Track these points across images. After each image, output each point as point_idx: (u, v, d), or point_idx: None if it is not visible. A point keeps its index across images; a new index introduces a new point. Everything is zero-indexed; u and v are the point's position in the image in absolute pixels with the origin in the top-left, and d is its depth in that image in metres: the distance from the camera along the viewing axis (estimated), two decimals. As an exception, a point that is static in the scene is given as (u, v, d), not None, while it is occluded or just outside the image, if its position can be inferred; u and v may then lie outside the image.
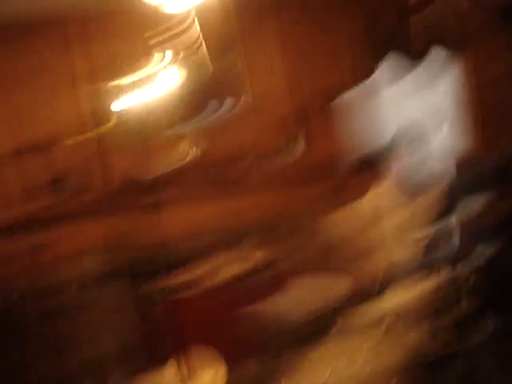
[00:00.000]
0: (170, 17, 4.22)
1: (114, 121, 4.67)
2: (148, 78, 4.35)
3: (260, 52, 4.96)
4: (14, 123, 4.63)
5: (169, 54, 4.37)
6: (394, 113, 5.19)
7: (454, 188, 3.80)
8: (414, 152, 3.65)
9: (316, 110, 5.00)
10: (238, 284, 3.28)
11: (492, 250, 3.50)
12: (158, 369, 3.30)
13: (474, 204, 3.56)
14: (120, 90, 4.67)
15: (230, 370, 3.29)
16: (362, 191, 4.12)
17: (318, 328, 3.09)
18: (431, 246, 2.75)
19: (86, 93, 4.71)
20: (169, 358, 2.55)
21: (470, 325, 2.87)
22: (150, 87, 4.39)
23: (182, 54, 4.31)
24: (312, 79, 4.97)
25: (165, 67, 4.29)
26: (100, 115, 4.70)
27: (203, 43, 3.91)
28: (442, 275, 2.82)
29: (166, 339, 2.51)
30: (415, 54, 5.16)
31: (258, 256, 3.07)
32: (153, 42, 4.57)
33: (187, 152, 4.69)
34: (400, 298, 2.98)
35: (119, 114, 4.69)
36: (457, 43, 5.23)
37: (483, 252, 3.56)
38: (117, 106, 4.69)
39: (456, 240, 2.81)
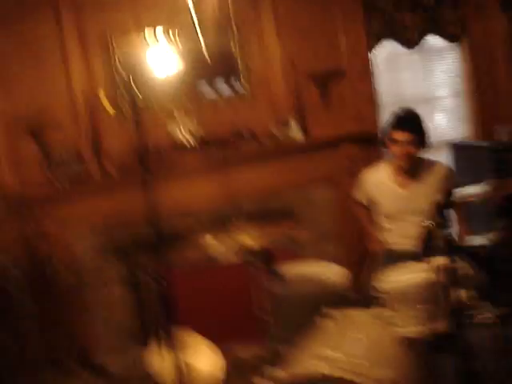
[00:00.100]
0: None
1: (105, 97, 4.60)
2: (140, 55, 4.26)
3: (255, 35, 4.90)
4: (4, 99, 4.55)
5: (160, 30, 4.31)
6: (389, 94, 5.21)
7: (450, 175, 3.77)
8: (411, 132, 3.61)
9: (311, 93, 4.94)
10: (231, 264, 3.24)
11: (488, 239, 3.48)
12: (150, 347, 3.25)
13: (470, 192, 3.51)
14: (112, 66, 4.65)
15: (223, 352, 3.24)
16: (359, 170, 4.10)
17: (313, 311, 3.05)
18: (430, 231, 2.69)
19: (76, 68, 4.63)
20: (162, 337, 2.49)
21: (465, 312, 2.84)
22: (143, 64, 4.34)
23: (174, 32, 4.25)
24: (307, 62, 4.91)
25: (156, 42, 4.21)
26: (91, 91, 4.63)
27: (197, 23, 3.82)
28: (440, 262, 2.77)
29: (160, 318, 2.44)
30: (412, 40, 5.14)
31: (250, 236, 2.99)
32: (145, 17, 4.55)
33: (180, 131, 4.62)
34: (398, 280, 2.95)
35: (111, 90, 4.64)
36: (454, 30, 5.21)
37: (480, 240, 3.55)
38: (109, 82, 4.63)
39: (452, 228, 2.77)
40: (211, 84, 4.86)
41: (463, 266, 2.98)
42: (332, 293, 3.28)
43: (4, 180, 4.56)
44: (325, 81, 4.94)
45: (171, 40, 4.28)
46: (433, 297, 2.85)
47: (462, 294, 2.81)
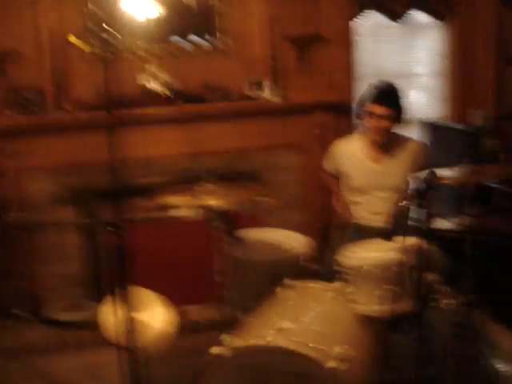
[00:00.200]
0: None
1: (74, 39, 4.41)
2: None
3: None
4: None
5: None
6: (368, 66, 5.11)
7: (424, 152, 3.71)
8: (388, 107, 3.53)
9: (288, 56, 4.81)
10: (192, 222, 3.16)
11: (457, 224, 3.45)
12: (103, 301, 3.16)
13: (444, 174, 3.45)
14: (84, 6, 4.43)
15: (178, 312, 3.14)
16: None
17: (273, 280, 2.98)
18: (402, 210, 2.62)
19: (45, 5, 4.40)
20: (113, 290, 2.37)
21: (430, 295, 2.80)
22: (118, 6, 4.17)
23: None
24: (287, 25, 4.77)
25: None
26: (60, 30, 4.41)
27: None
28: (409, 242, 2.70)
29: (115, 272, 2.32)
30: (396, 12, 5.03)
31: (214, 195, 2.89)
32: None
33: (151, 80, 4.47)
34: (364, 257, 2.87)
35: (80, 31, 4.42)
36: (440, 7, 5.13)
37: (448, 224, 3.51)
38: (81, 22, 4.41)
39: (424, 210, 2.69)
40: (187, 36, 4.69)
41: (430, 249, 2.92)
42: (294, 263, 3.22)
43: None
44: (303, 45, 4.82)
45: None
46: (399, 277, 2.78)
47: (429, 276, 2.77)
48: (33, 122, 4.38)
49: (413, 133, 4.86)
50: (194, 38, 4.70)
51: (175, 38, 4.67)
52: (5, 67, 4.36)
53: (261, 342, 2.43)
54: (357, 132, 4.03)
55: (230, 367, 2.42)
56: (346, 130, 4.63)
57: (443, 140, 4.79)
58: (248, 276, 3.18)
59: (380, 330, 2.82)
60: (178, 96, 4.52)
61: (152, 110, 4.48)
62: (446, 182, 2.94)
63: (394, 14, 5.03)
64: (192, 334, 3.93)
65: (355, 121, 4.57)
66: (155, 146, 4.56)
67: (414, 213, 2.62)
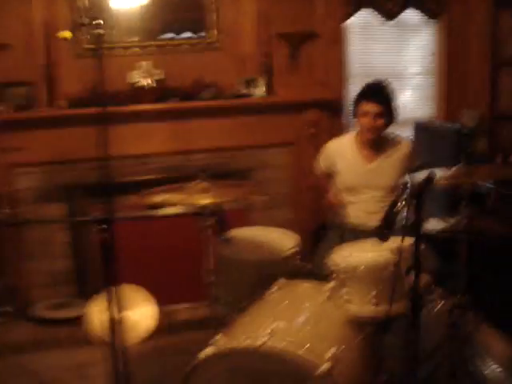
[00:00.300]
0: None
1: (67, 33, 4.38)
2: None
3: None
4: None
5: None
6: (360, 65, 5.10)
7: (414, 153, 3.70)
8: (380, 104, 3.52)
9: (280, 53, 4.78)
10: (180, 219, 3.12)
11: (448, 225, 3.44)
12: (88, 297, 3.14)
13: (430, 176, 3.43)
14: (76, 2, 4.38)
15: (168, 310, 3.12)
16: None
17: (262, 279, 2.96)
18: (395, 211, 2.59)
19: (36, 3, 4.36)
20: (100, 287, 2.35)
21: (421, 296, 2.78)
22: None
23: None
24: (280, 21, 4.74)
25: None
26: (51, 27, 4.34)
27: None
28: (401, 243, 2.68)
29: (101, 268, 2.29)
30: (392, 11, 5.02)
31: (203, 193, 2.87)
32: None
33: (141, 74, 4.45)
34: (356, 257, 2.85)
35: (72, 26, 4.32)
36: (434, 6, 5.12)
37: (439, 225, 3.50)
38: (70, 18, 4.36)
39: (411, 211, 2.67)
40: (179, 33, 4.66)
41: (421, 250, 2.90)
42: (284, 261, 3.19)
43: None
44: (295, 42, 4.80)
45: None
46: (391, 278, 2.76)
47: (420, 277, 2.75)
48: (23, 118, 4.33)
49: (405, 133, 4.87)
50: (186, 34, 4.67)
51: (167, 35, 4.63)
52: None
53: (253, 342, 2.38)
54: (349, 131, 4.01)
55: (221, 368, 2.39)
56: (338, 128, 4.62)
57: (434, 140, 4.79)
58: (235, 274, 3.15)
59: (373, 331, 2.80)
60: (170, 93, 4.48)
61: (142, 107, 4.44)
62: (440, 182, 2.93)
63: (390, 13, 5.02)
64: (181, 332, 3.92)
65: (348, 120, 4.55)
66: (145, 142, 4.52)
67: (408, 213, 2.60)
